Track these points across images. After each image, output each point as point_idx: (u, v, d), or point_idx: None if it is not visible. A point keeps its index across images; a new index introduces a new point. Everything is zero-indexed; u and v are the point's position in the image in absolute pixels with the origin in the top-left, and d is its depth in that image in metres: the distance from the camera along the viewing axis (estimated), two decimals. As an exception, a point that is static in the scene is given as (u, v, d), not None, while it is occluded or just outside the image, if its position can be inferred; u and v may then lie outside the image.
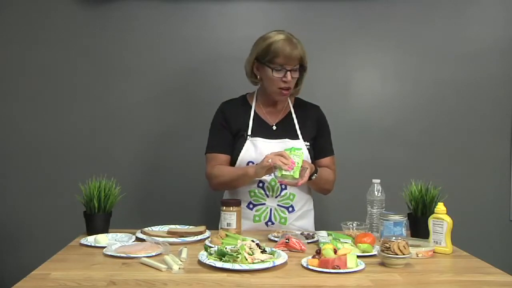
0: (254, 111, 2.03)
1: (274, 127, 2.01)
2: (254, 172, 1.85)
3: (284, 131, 2.00)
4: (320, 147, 2.05)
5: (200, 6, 2.55)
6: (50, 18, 2.54)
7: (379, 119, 2.58)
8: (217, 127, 2.04)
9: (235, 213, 1.80)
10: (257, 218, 1.96)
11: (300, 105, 2.09)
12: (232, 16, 2.56)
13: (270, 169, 1.78)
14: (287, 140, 1.96)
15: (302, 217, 2.02)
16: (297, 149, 1.80)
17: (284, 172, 1.72)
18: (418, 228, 1.78)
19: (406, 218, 1.76)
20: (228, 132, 2.01)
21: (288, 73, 1.90)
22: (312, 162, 2.03)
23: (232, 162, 1.98)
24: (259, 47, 1.95)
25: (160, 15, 2.55)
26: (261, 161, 1.82)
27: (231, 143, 2.00)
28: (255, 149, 1.94)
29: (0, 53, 2.55)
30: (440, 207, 1.66)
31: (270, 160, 1.77)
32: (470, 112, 2.59)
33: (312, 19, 2.56)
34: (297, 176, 1.74)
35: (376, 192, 1.85)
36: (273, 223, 1.96)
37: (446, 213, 1.65)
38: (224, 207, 1.81)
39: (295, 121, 2.02)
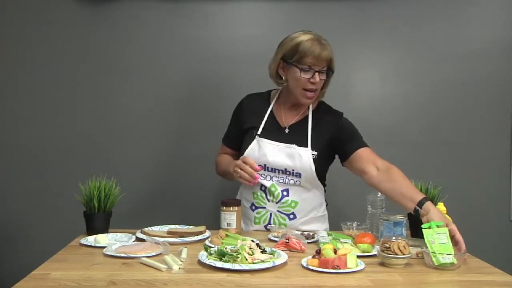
0: (271, 110, 2.00)
1: (287, 130, 1.96)
2: (232, 170, 1.89)
3: (295, 135, 1.93)
4: (349, 145, 1.94)
5: (200, 6, 2.55)
6: (50, 18, 2.54)
7: (379, 119, 2.58)
8: (231, 119, 2.09)
9: (235, 213, 1.80)
10: (257, 221, 1.96)
11: (321, 110, 2.00)
12: (233, 16, 2.56)
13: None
14: (294, 146, 1.90)
15: (308, 223, 1.96)
16: (438, 224, 1.54)
17: (442, 261, 1.44)
18: (418, 228, 1.77)
19: (406, 218, 1.76)
20: (238, 127, 2.02)
21: (316, 74, 1.84)
22: (346, 161, 1.95)
23: (239, 157, 1.95)
24: (285, 47, 1.88)
25: (160, 15, 2.55)
26: (232, 163, 1.89)
27: (237, 138, 2.01)
28: (259, 149, 1.92)
29: (0, 53, 2.55)
30: (440, 207, 1.66)
31: (236, 174, 1.84)
32: (470, 112, 2.59)
33: (312, 19, 2.55)
34: (455, 261, 1.46)
35: (376, 192, 1.85)
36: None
37: (446, 213, 1.65)
38: (224, 207, 1.81)
39: (309, 127, 1.93)
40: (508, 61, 2.58)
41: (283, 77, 1.93)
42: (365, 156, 1.91)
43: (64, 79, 2.56)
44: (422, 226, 1.54)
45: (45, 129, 2.55)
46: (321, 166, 1.94)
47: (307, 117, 1.97)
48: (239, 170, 1.83)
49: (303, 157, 1.89)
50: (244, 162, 1.84)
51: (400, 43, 2.59)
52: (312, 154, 1.90)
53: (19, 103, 2.55)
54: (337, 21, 2.56)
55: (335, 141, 1.95)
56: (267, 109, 2.00)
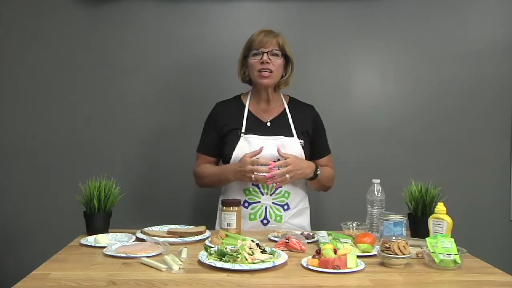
0: (248, 109, 2.05)
1: (269, 123, 2.02)
2: (234, 178, 1.94)
3: (279, 128, 2.01)
4: (317, 147, 2.07)
5: (200, 6, 2.55)
6: (50, 18, 2.54)
7: (379, 119, 2.58)
8: (207, 128, 2.11)
9: (235, 213, 1.80)
10: (252, 216, 1.97)
11: (294, 104, 2.11)
12: (233, 16, 2.56)
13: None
14: (281, 137, 1.97)
15: (298, 215, 2.03)
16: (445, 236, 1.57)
17: (441, 257, 1.43)
18: (418, 228, 1.78)
19: (406, 218, 1.76)
20: (216, 133, 2.04)
21: (265, 54, 1.95)
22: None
23: (226, 159, 2.00)
24: (244, 46, 2.04)
25: (160, 15, 2.55)
26: (242, 168, 1.88)
27: (218, 145, 2.03)
28: (249, 146, 1.96)
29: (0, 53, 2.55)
30: (440, 207, 1.66)
31: (253, 176, 1.87)
32: (470, 112, 2.59)
33: (312, 19, 2.56)
34: (459, 261, 1.44)
35: (376, 192, 1.85)
36: (268, 221, 1.97)
37: (446, 213, 1.65)
38: (224, 207, 1.81)
39: (290, 118, 2.03)
40: (508, 61, 2.58)
41: (246, 73, 2.04)
42: (324, 163, 2.08)
43: (64, 79, 2.56)
44: (427, 238, 1.52)
45: (45, 129, 2.55)
46: (308, 154, 2.02)
47: (284, 110, 2.06)
48: (253, 174, 1.87)
49: (293, 146, 1.97)
50: (255, 164, 1.87)
51: (400, 43, 2.58)
52: (300, 142, 1.99)
53: (18, 103, 2.55)
54: (337, 21, 2.56)
55: (313, 130, 2.06)
56: (244, 110, 2.05)
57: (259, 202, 1.97)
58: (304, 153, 1.99)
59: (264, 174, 1.86)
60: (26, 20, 2.54)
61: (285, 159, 1.89)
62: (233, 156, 1.96)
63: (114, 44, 2.56)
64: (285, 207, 1.98)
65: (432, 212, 1.69)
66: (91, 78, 2.56)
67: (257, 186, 1.96)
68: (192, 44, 2.56)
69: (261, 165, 1.87)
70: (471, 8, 2.58)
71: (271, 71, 1.97)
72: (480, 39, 2.58)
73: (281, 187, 1.96)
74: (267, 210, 1.97)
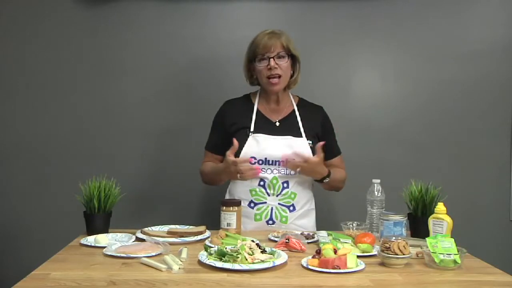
0: (257, 108, 2.05)
1: (277, 123, 2.02)
2: (227, 177, 1.99)
3: (287, 128, 2.01)
4: (328, 148, 2.03)
5: (200, 6, 2.55)
6: (50, 18, 2.54)
7: (379, 119, 2.58)
8: (215, 126, 2.11)
9: (235, 213, 1.80)
10: (258, 217, 1.97)
11: (303, 105, 2.10)
12: (233, 16, 2.56)
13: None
14: (289, 137, 1.97)
15: (304, 216, 2.02)
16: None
17: (442, 257, 1.44)
18: (418, 228, 1.78)
19: (406, 218, 1.77)
20: (224, 131, 2.04)
21: (271, 60, 1.93)
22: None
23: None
24: (247, 50, 2.03)
25: (160, 15, 2.55)
26: (228, 168, 1.89)
27: (225, 143, 2.00)
28: (258, 144, 1.96)
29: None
30: (440, 207, 1.66)
31: (238, 175, 1.88)
32: (470, 112, 2.59)
33: (313, 19, 2.56)
34: (459, 261, 1.45)
35: (376, 192, 1.85)
36: (274, 222, 1.96)
37: (446, 213, 1.65)
38: (224, 207, 1.81)
39: (299, 119, 2.03)
40: (508, 61, 2.58)
41: (254, 76, 2.04)
42: (335, 164, 2.10)
43: (64, 79, 2.56)
44: (427, 238, 1.52)
45: (45, 129, 2.55)
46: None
47: (293, 111, 2.05)
48: (242, 173, 1.87)
49: (301, 146, 1.96)
50: (239, 163, 1.86)
51: (400, 43, 2.58)
52: (308, 143, 1.98)
53: (18, 103, 2.55)
54: (337, 21, 2.56)
55: (322, 131, 2.05)
56: (253, 109, 2.04)
57: (265, 202, 1.97)
58: (313, 154, 1.96)
59: (253, 168, 1.88)
60: (26, 20, 2.54)
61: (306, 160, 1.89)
62: (241, 155, 1.94)
63: (114, 44, 2.56)
64: (291, 208, 1.98)
65: (432, 212, 1.69)
66: (91, 78, 2.56)
67: (263, 186, 1.96)
68: (192, 44, 2.56)
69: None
70: (471, 8, 2.58)
71: (279, 76, 1.96)
72: (480, 39, 2.58)
73: (287, 187, 1.96)
74: (273, 211, 1.97)
